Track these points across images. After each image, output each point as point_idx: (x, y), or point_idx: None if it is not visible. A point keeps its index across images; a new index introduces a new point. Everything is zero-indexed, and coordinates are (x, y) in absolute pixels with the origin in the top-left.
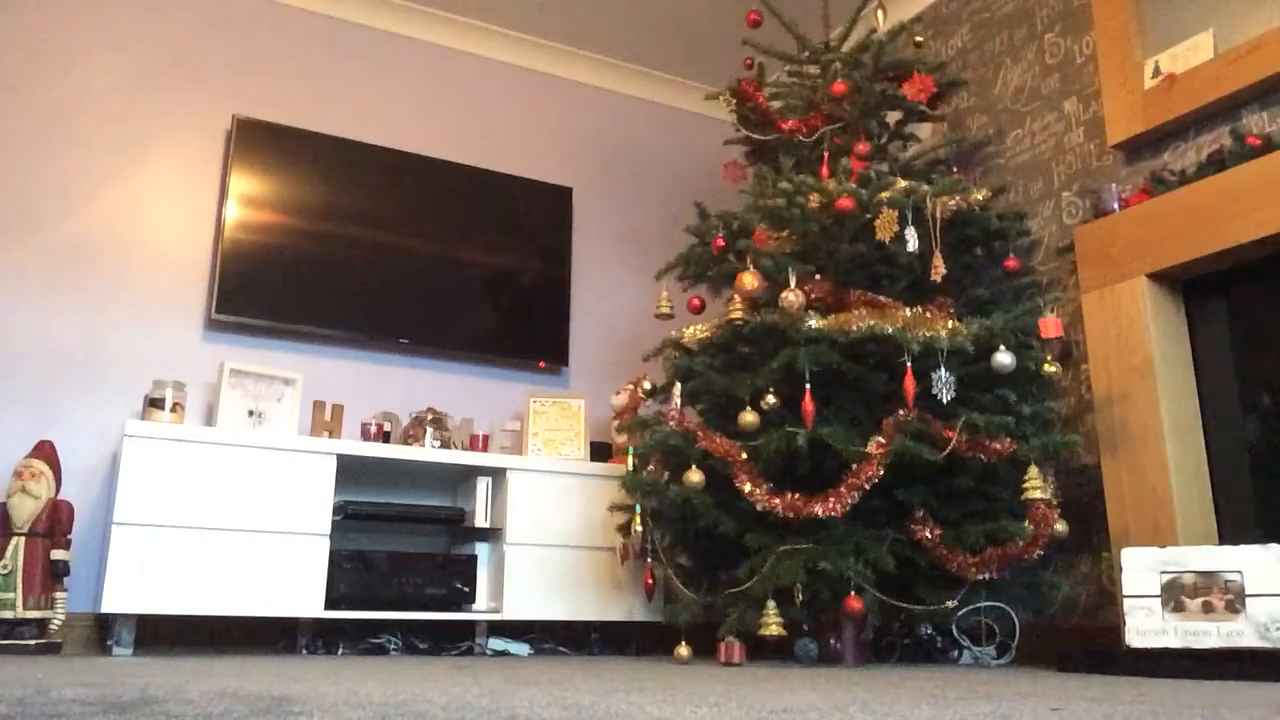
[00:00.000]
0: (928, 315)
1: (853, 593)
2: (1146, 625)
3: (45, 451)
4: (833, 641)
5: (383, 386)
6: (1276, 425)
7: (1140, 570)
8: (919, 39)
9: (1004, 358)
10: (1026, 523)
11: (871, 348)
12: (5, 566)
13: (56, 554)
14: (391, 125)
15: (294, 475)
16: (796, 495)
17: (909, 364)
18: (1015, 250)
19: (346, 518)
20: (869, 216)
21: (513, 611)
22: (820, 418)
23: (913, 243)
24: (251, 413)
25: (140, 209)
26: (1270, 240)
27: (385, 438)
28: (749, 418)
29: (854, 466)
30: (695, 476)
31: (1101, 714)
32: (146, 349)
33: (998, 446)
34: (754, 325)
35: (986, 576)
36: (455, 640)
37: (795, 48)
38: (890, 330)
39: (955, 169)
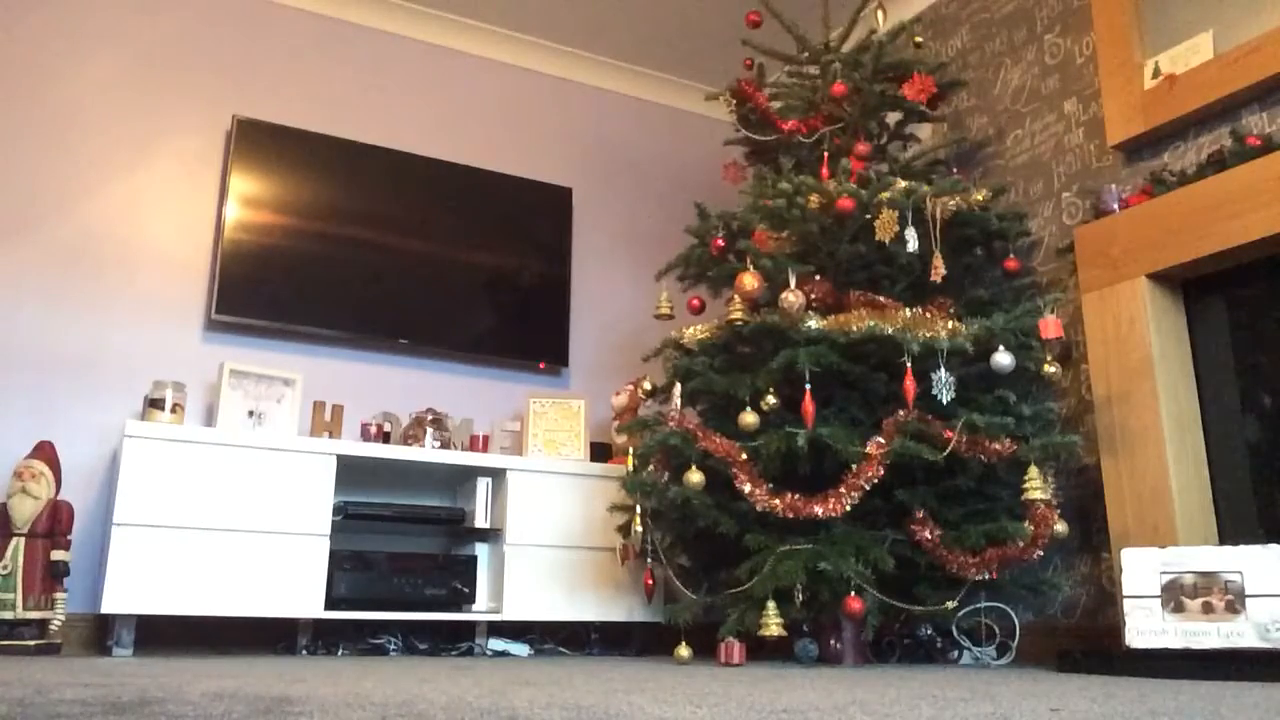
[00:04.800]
0: (928, 316)
1: (853, 593)
2: (1146, 625)
3: (45, 452)
4: (833, 642)
5: (383, 387)
6: (1276, 425)
7: (1140, 570)
8: (919, 39)
9: (1003, 358)
10: (1026, 523)
11: (871, 348)
12: (5, 567)
13: (56, 554)
14: (391, 125)
15: (294, 476)
16: (796, 495)
17: (909, 364)
18: (1015, 251)
19: (346, 518)
20: (869, 217)
21: (512, 612)
22: (820, 418)
23: (913, 243)
24: (251, 413)
25: (140, 209)
26: (1270, 240)
27: (385, 438)
28: (749, 418)
29: (854, 467)
30: (695, 477)
31: (1101, 714)
32: (146, 349)
33: (997, 447)
34: (754, 326)
35: (986, 577)
36: (455, 641)
37: (795, 48)
38: (890, 331)
39: (955, 169)
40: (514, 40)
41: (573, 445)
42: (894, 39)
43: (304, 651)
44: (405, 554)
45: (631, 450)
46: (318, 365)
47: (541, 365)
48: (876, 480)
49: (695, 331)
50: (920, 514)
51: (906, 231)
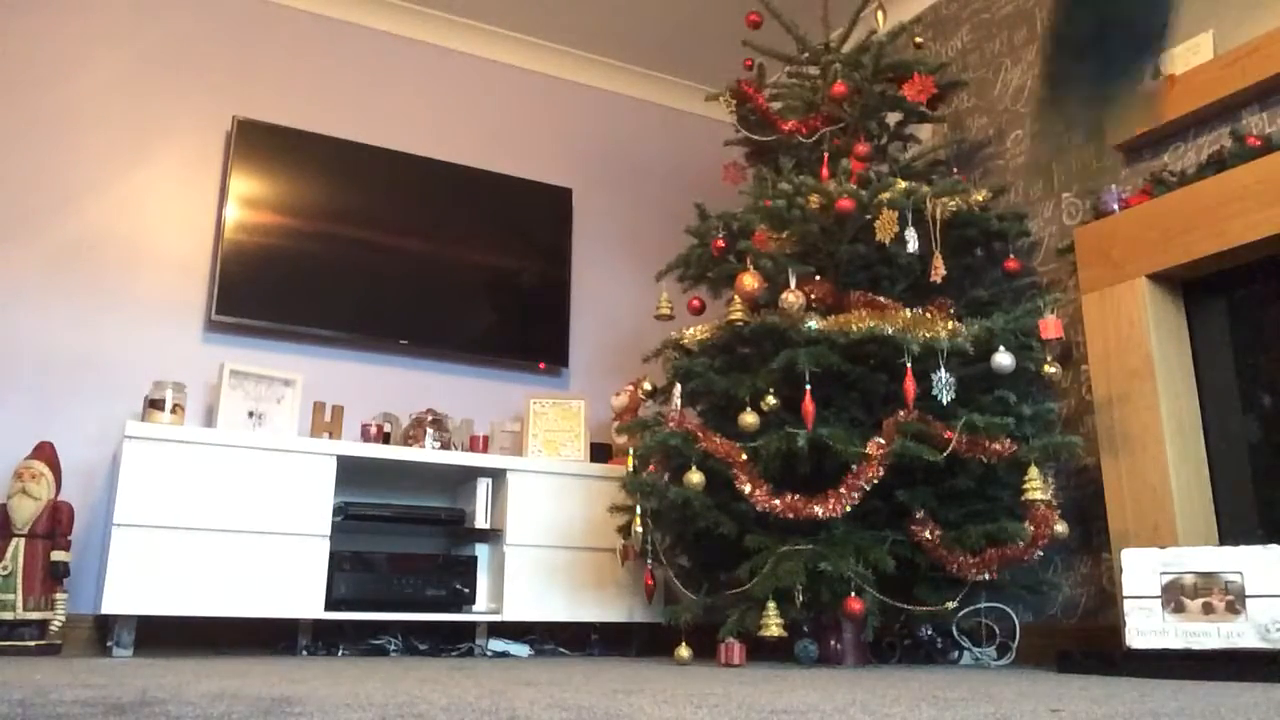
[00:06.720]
0: (928, 316)
1: (853, 594)
2: (1146, 626)
3: (45, 453)
4: (833, 642)
5: (383, 387)
6: (1276, 425)
7: (1140, 571)
8: (919, 40)
9: (1004, 359)
10: (1026, 524)
11: (872, 349)
12: (5, 568)
13: (56, 555)
14: (391, 126)
15: (294, 476)
16: (797, 496)
17: (909, 365)
18: (1015, 251)
19: (346, 519)
20: (869, 217)
21: (513, 612)
22: (820, 419)
23: (913, 244)
24: (251, 414)
25: (140, 209)
26: (1270, 240)
27: (385, 439)
28: (749, 419)
29: (854, 467)
30: (695, 477)
31: (1102, 715)
32: (146, 350)
33: (998, 447)
34: (754, 326)
35: (986, 577)
36: (455, 641)
37: (795, 49)
38: (890, 331)
39: (955, 170)
40: (514, 40)
41: (573, 446)
42: (894, 39)
43: (304, 652)
44: (405, 554)
45: (631, 451)
46: (318, 365)
47: (541, 366)
48: (876, 481)
49: (695, 332)
50: (920, 514)
51: (906, 232)
